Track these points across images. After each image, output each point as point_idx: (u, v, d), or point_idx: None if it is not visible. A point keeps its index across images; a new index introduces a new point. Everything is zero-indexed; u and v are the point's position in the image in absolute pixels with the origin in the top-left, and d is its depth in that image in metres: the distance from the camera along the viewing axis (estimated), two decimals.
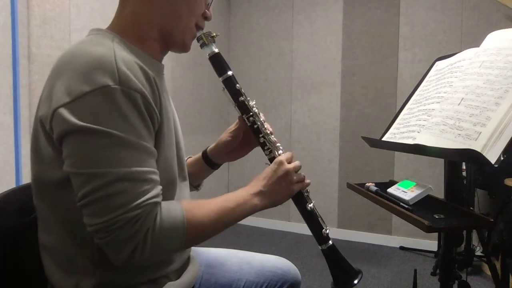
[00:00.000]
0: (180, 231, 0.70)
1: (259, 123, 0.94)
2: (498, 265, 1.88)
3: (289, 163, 0.89)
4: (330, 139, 3.31)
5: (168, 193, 0.77)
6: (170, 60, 2.90)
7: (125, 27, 0.79)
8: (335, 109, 3.28)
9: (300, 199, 0.91)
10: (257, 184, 0.85)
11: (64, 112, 0.64)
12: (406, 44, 3.02)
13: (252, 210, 0.82)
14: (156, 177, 0.70)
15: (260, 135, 0.94)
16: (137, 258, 0.66)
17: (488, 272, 2.37)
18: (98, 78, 0.64)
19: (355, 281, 0.89)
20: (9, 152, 1.76)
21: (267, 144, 0.93)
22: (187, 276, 0.87)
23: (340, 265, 0.92)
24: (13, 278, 0.80)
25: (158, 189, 0.69)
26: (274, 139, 0.94)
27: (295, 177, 0.88)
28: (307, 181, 0.91)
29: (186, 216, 0.71)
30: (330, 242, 0.91)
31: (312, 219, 0.91)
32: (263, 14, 3.55)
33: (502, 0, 2.49)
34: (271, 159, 0.91)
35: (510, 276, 1.80)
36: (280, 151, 0.93)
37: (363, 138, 1.22)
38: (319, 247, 0.92)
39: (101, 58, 0.66)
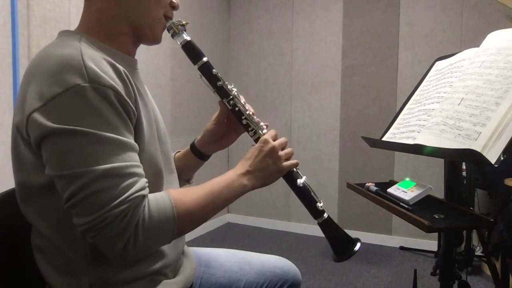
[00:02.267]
0: (170, 219, 0.70)
1: (240, 106, 0.93)
2: (498, 265, 1.88)
3: (274, 140, 0.89)
4: (330, 139, 3.31)
5: (156, 186, 0.77)
6: (170, 60, 2.90)
7: (92, 26, 0.78)
8: (335, 109, 3.28)
9: (290, 176, 0.91)
10: (243, 164, 0.86)
11: (38, 117, 0.64)
12: (406, 44, 3.02)
13: (242, 191, 0.83)
14: (139, 170, 0.70)
15: (243, 117, 0.93)
16: (130, 252, 0.66)
17: (488, 272, 2.37)
18: (67, 78, 0.64)
19: (355, 248, 0.90)
20: (9, 152, 1.76)
21: (251, 125, 0.93)
22: (184, 274, 0.87)
23: (338, 235, 0.92)
24: (13, 278, 0.80)
25: (143, 182, 0.69)
26: (257, 119, 0.94)
27: (281, 154, 0.88)
28: (294, 161, 0.91)
29: (175, 204, 0.71)
30: (326, 215, 0.92)
31: (304, 194, 0.92)
32: (263, 14, 3.55)
33: (502, 0, 2.49)
34: (256, 140, 0.91)
35: (510, 276, 1.80)
36: (264, 131, 0.93)
37: (363, 138, 1.22)
38: (316, 221, 0.92)
39: (68, 58, 0.66)
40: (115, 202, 0.64)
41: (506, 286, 1.82)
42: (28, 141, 0.69)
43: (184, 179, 1.08)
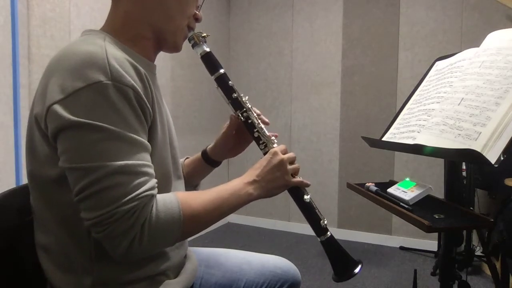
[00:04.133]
0: (177, 221, 0.71)
1: (252, 118, 0.95)
2: (498, 265, 1.88)
3: (284, 154, 0.90)
4: (330, 139, 3.31)
5: (164, 189, 0.78)
6: (170, 60, 2.90)
7: (117, 28, 0.80)
8: (335, 109, 3.28)
9: (297, 191, 0.92)
10: (251, 174, 0.87)
11: (58, 108, 0.65)
12: (406, 44, 3.02)
13: (248, 199, 0.83)
14: (151, 170, 0.71)
15: (255, 130, 0.95)
16: (135, 250, 0.67)
17: (488, 272, 2.37)
18: (91, 74, 0.65)
19: (356, 271, 0.90)
20: (9, 152, 1.76)
21: (262, 138, 0.94)
22: (186, 274, 0.88)
23: (340, 255, 0.92)
24: (13, 278, 0.80)
25: (153, 182, 0.70)
26: (268, 133, 0.96)
27: (289, 168, 0.89)
28: (305, 180, 0.92)
29: (182, 206, 0.72)
30: (329, 233, 0.92)
31: (309, 211, 0.92)
32: (263, 14, 3.55)
33: (502, 0, 2.49)
34: (266, 153, 0.92)
35: (510, 276, 1.80)
36: (275, 145, 0.94)
37: (363, 138, 1.22)
38: (318, 239, 0.92)
39: (93, 55, 0.67)
40: (125, 199, 0.65)
41: (506, 286, 1.82)
42: (45, 133, 0.69)
43: (192, 185, 1.09)
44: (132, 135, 0.68)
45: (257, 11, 3.57)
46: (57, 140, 0.67)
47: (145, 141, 0.71)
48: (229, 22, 3.68)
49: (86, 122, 0.64)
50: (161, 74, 2.84)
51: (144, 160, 0.69)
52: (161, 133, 0.78)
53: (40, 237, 0.78)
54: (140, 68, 0.72)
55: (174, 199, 0.72)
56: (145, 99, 0.71)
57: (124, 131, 0.67)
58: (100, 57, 0.67)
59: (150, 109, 0.73)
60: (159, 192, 0.72)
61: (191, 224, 0.74)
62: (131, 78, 0.69)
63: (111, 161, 0.65)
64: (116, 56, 0.69)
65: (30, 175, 0.76)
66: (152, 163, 0.72)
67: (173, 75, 2.97)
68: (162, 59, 2.82)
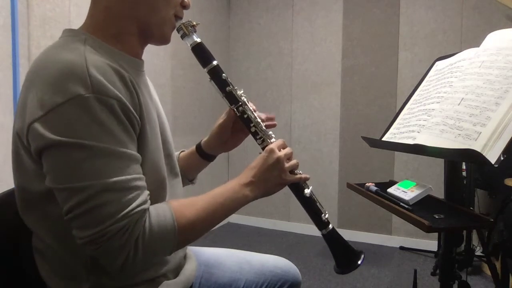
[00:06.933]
0: (171, 233, 0.69)
1: (249, 113, 0.91)
2: (498, 265, 1.88)
3: (282, 149, 0.87)
4: (330, 139, 3.31)
5: (158, 195, 0.76)
6: (170, 60, 2.90)
7: (98, 25, 0.75)
8: (335, 109, 3.28)
9: (296, 186, 0.90)
10: (247, 174, 0.84)
11: (39, 127, 0.62)
12: (406, 44, 3.02)
13: (244, 201, 0.81)
14: (142, 182, 0.68)
15: (251, 125, 0.91)
16: (130, 265, 0.66)
17: (488, 272, 2.37)
18: (70, 87, 0.61)
19: (359, 262, 0.89)
20: (9, 152, 1.75)
21: (259, 133, 0.91)
22: (185, 274, 0.87)
23: (342, 248, 0.92)
24: (13, 278, 0.80)
25: (145, 194, 0.68)
26: (264, 128, 0.92)
27: (287, 166, 0.86)
28: (303, 175, 0.90)
29: (176, 217, 0.70)
30: (330, 226, 0.91)
31: (310, 205, 0.91)
32: (263, 14, 3.55)
33: (502, 0, 2.49)
34: (264, 148, 0.89)
35: (510, 276, 1.80)
36: (273, 139, 0.91)
37: (363, 138, 1.22)
38: (320, 232, 0.91)
39: (72, 65, 0.63)
40: (116, 217, 0.63)
41: (506, 286, 1.82)
42: (29, 149, 0.66)
43: (188, 179, 1.08)
44: (120, 148, 0.65)
45: (257, 11, 3.57)
46: (42, 158, 0.65)
47: (134, 152, 0.68)
48: (229, 22, 3.68)
49: (68, 141, 0.61)
50: (161, 74, 2.84)
51: (134, 173, 0.66)
52: (152, 139, 0.75)
53: (36, 241, 0.77)
54: (124, 72, 0.68)
55: (168, 210, 0.71)
56: (131, 109, 0.67)
57: (110, 146, 0.63)
58: (79, 67, 0.63)
59: (138, 118, 0.69)
60: (154, 196, 0.71)
61: (186, 234, 0.72)
62: (115, 88, 0.65)
63: (98, 179, 0.62)
64: (97, 64, 0.65)
65: (19, 188, 0.74)
66: (144, 170, 0.70)
67: (173, 75, 2.97)
68: (162, 58, 2.82)
